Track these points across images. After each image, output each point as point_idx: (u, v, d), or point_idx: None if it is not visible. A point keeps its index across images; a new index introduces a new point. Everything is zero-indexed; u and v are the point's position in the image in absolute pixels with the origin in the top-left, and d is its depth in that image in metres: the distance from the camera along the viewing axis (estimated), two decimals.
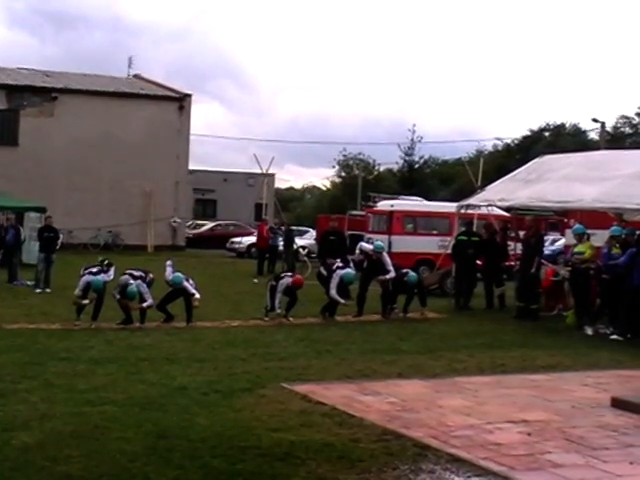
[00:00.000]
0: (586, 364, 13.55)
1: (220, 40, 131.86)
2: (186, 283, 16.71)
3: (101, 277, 16.37)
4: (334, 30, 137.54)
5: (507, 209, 24.07)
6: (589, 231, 18.48)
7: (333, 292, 18.10)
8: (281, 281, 17.67)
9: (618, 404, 10.28)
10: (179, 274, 16.83)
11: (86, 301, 16.31)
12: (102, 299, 16.36)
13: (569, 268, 18.80)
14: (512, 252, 22.59)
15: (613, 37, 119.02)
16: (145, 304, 16.35)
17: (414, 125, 74.27)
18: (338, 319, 18.38)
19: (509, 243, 23.02)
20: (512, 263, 22.00)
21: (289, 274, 18.26)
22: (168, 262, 17.43)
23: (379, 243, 20.21)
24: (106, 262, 17.06)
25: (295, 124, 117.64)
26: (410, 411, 9.79)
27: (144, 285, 16.41)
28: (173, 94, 47.59)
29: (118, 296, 16.30)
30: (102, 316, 16.33)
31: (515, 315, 19.56)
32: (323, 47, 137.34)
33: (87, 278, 16.27)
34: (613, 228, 17.76)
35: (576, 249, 18.22)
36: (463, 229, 22.64)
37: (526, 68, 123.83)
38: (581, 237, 18.27)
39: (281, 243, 33.75)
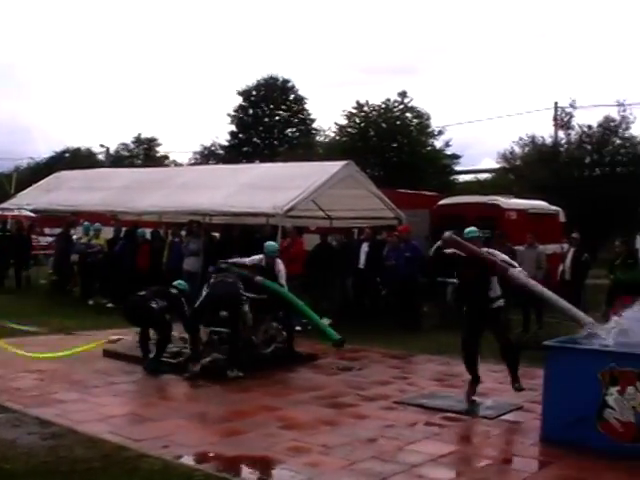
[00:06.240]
0: (93, 327, 12.97)
1: None
2: None
3: None
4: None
5: (34, 211, 23.32)
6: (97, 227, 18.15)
7: None
8: None
9: (108, 354, 10.66)
10: None
11: None
12: None
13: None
14: (38, 244, 22.03)
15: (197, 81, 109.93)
16: None
17: None
18: None
19: (34, 237, 22.41)
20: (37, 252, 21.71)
21: None
22: None
23: None
24: None
25: None
26: None
27: None
28: None
29: None
30: None
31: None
32: None
33: None
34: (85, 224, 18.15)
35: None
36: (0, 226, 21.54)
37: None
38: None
39: None
